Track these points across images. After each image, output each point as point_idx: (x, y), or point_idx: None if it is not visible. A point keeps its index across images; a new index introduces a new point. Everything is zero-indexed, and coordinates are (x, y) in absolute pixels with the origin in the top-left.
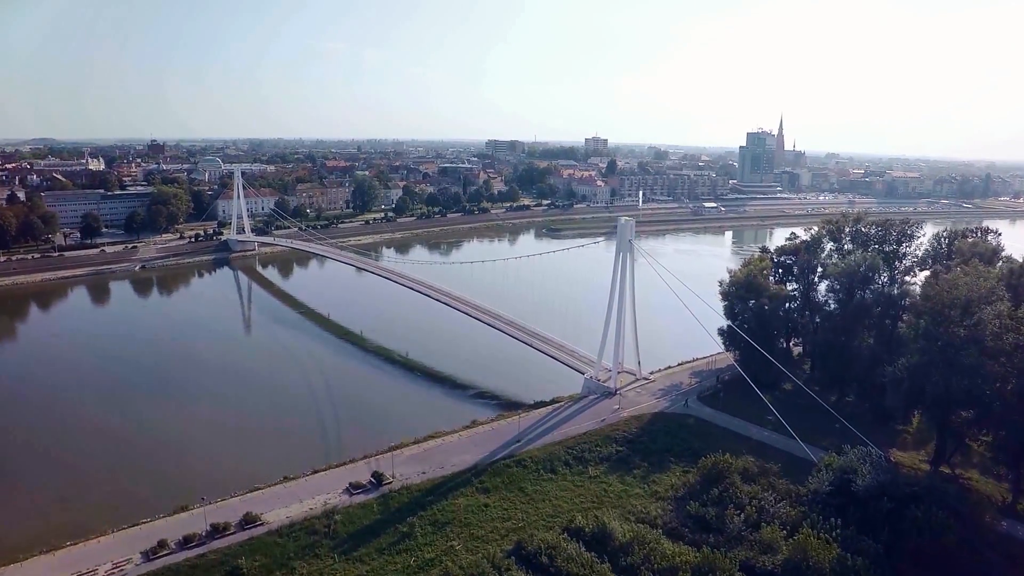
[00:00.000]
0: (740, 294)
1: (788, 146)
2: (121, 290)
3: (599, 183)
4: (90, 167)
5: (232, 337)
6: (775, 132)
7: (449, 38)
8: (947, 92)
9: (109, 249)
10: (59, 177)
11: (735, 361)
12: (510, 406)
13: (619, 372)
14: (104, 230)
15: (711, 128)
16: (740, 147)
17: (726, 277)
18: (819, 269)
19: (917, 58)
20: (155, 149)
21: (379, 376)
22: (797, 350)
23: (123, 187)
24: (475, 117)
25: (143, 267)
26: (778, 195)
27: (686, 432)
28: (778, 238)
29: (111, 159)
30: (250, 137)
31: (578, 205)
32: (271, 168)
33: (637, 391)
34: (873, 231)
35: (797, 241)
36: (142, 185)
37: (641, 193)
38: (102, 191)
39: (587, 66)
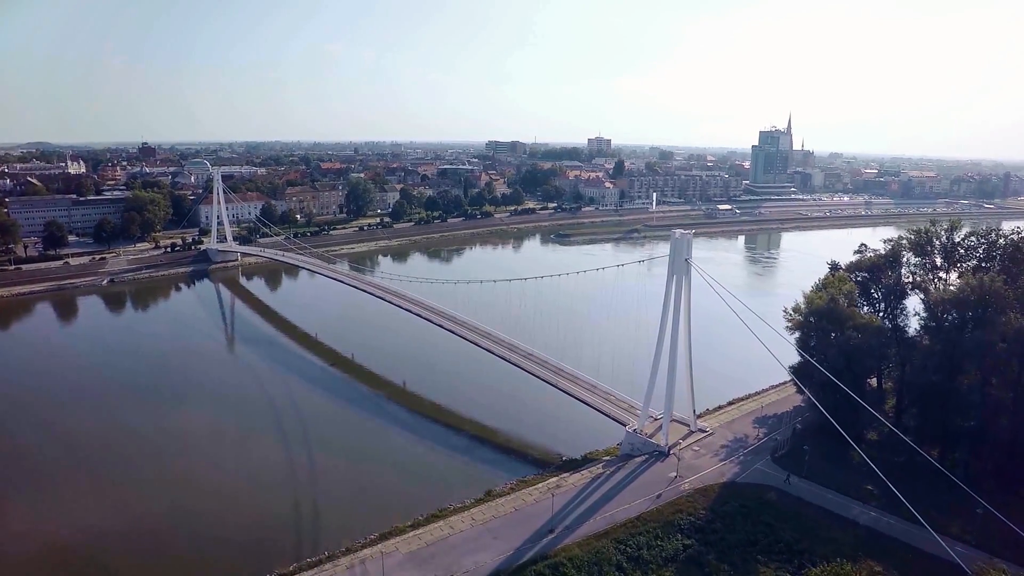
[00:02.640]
0: (819, 324)
1: (797, 145)
2: (85, 307)
3: (607, 185)
4: (70, 170)
5: (199, 370)
6: (784, 131)
7: (449, 40)
8: (945, 92)
9: (74, 261)
10: (33, 181)
11: (816, 402)
12: (532, 463)
13: (670, 421)
14: (75, 239)
15: (712, 129)
16: (752, 146)
17: (742, 279)
18: (901, 290)
19: (914, 58)
20: (145, 152)
21: (369, 417)
22: (871, 382)
23: (99, 192)
24: (471, 119)
25: (111, 281)
26: (792, 196)
27: (770, 514)
28: (792, 240)
29: (98, 162)
30: (247, 140)
31: (586, 208)
32: (262, 171)
33: (694, 449)
34: (974, 242)
35: (871, 255)
36: (120, 190)
37: (655, 195)
38: (74, 196)
39: (586, 66)
